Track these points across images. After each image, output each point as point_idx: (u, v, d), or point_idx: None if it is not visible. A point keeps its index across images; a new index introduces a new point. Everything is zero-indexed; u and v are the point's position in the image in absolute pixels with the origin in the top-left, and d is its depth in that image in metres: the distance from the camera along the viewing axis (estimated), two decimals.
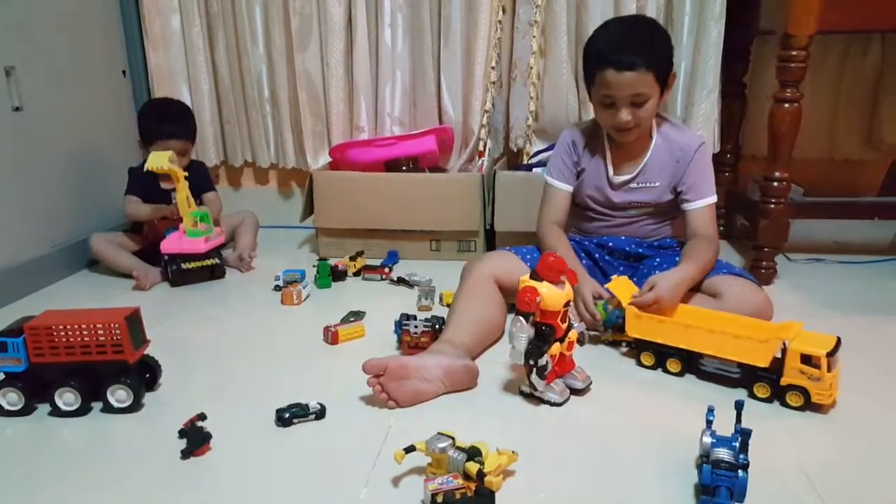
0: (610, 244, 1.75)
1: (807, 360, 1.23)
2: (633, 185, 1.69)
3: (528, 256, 1.67)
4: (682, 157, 1.65)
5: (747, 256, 1.98)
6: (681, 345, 1.38)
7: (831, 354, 1.23)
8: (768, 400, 1.28)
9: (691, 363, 1.39)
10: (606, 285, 1.54)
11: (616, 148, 1.69)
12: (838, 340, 1.26)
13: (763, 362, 1.28)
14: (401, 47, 2.40)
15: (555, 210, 1.74)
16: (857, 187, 2.39)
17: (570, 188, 1.74)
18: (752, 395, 1.29)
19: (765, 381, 1.28)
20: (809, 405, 1.24)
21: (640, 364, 1.45)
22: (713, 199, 1.66)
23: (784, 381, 1.25)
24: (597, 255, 1.75)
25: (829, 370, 1.22)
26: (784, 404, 1.26)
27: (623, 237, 1.74)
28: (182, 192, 1.96)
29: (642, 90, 1.54)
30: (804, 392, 1.24)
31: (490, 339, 1.54)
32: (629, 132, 1.61)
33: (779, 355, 1.28)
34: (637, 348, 1.46)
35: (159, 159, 1.92)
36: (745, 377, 1.32)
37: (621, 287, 1.52)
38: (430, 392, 1.30)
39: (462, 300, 1.54)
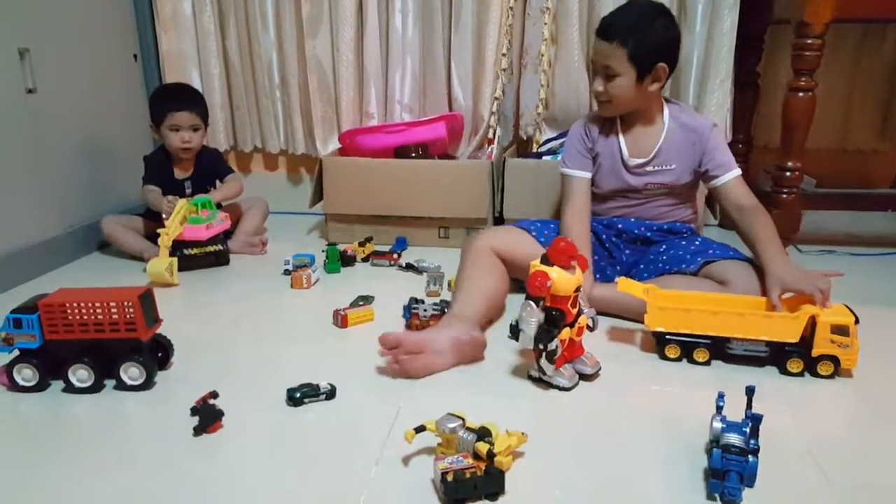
0: (619, 226, 1.75)
1: (838, 329, 1.30)
2: (650, 167, 1.69)
3: (532, 227, 1.68)
4: (697, 140, 1.65)
5: None
6: (710, 332, 1.37)
7: (856, 322, 1.32)
8: (800, 374, 1.33)
9: (717, 349, 1.39)
10: (616, 289, 1.48)
11: (629, 132, 1.70)
12: (849, 308, 1.35)
13: (794, 338, 1.32)
14: (411, 33, 2.40)
15: (577, 200, 1.71)
16: (870, 179, 2.39)
17: (588, 175, 1.73)
18: (785, 371, 1.34)
19: (796, 355, 1.33)
20: (838, 373, 1.32)
21: (663, 358, 1.41)
22: (739, 170, 1.66)
23: (815, 352, 1.31)
24: (604, 237, 1.75)
25: None
26: (815, 374, 1.33)
27: (633, 219, 1.74)
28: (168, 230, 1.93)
29: (611, 63, 1.57)
30: (834, 361, 1.31)
31: (497, 309, 1.57)
32: (603, 105, 1.65)
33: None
34: (659, 343, 1.42)
35: (158, 272, 1.84)
36: (773, 355, 1.36)
37: (628, 285, 1.48)
38: (440, 364, 1.34)
39: (466, 273, 1.57)
